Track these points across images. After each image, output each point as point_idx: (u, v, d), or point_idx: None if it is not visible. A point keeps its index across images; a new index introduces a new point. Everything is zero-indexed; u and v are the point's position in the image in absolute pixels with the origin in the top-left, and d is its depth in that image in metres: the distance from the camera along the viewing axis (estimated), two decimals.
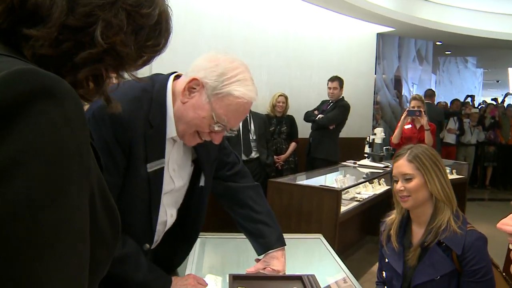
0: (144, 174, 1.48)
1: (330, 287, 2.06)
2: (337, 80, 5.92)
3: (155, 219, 1.56)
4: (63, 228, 0.57)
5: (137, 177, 1.47)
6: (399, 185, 2.04)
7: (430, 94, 8.28)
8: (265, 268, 1.83)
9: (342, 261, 2.27)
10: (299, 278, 1.84)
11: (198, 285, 1.66)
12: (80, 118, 0.63)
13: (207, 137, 1.53)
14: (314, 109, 6.11)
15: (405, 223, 2.12)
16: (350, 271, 2.12)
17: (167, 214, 1.64)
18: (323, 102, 6.12)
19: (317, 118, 5.87)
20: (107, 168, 1.37)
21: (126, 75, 0.83)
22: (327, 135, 5.89)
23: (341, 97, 5.94)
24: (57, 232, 0.56)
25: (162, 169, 1.52)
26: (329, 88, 5.94)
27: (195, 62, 1.51)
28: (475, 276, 1.88)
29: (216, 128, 1.48)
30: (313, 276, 1.84)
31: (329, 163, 5.77)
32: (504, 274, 2.01)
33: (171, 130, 1.51)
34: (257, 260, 1.88)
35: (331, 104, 5.96)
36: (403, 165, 2.04)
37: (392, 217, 2.17)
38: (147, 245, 1.59)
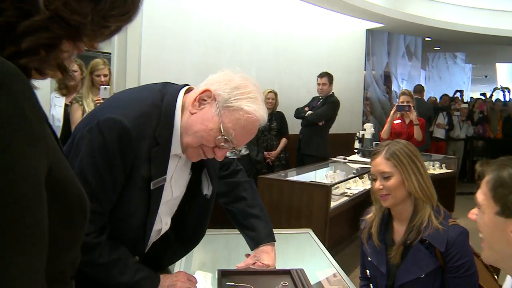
0: (146, 190, 1.46)
1: (321, 283, 2.07)
2: (326, 76, 5.90)
3: (149, 228, 1.54)
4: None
5: (136, 192, 1.45)
6: (377, 184, 2.00)
7: (419, 89, 8.33)
8: (255, 263, 1.83)
9: (332, 256, 2.27)
10: (288, 272, 1.84)
11: (188, 281, 1.62)
12: (29, 98, 0.62)
13: (210, 154, 1.50)
14: (305, 106, 6.10)
15: (386, 220, 2.10)
16: (340, 266, 2.13)
17: (162, 223, 1.63)
18: (314, 99, 6.11)
19: (306, 115, 5.87)
20: (103, 180, 1.37)
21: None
22: (316, 132, 5.89)
23: (331, 93, 5.93)
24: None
25: (163, 185, 1.51)
26: (319, 84, 5.93)
27: (209, 77, 1.50)
28: (459, 272, 1.89)
29: (222, 143, 1.45)
30: (302, 270, 1.84)
31: (319, 160, 5.77)
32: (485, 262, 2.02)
33: (176, 147, 1.49)
34: (247, 256, 1.88)
35: (321, 100, 5.95)
36: (380, 163, 2.01)
37: (372, 215, 2.14)
38: (137, 258, 1.57)
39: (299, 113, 6.04)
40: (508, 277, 1.38)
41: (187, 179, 1.68)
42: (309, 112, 5.88)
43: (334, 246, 4.48)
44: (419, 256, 1.94)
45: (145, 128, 1.40)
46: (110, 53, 5.38)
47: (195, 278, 1.68)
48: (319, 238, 2.45)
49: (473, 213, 1.31)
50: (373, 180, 2.05)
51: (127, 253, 1.50)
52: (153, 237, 1.63)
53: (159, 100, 1.46)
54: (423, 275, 1.93)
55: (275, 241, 1.89)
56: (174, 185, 1.59)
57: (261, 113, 1.46)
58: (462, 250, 1.89)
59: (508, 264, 1.24)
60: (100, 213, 1.40)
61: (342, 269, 2.09)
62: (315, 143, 5.86)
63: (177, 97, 1.49)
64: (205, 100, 1.45)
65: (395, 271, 2.00)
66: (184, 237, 1.76)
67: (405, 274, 1.96)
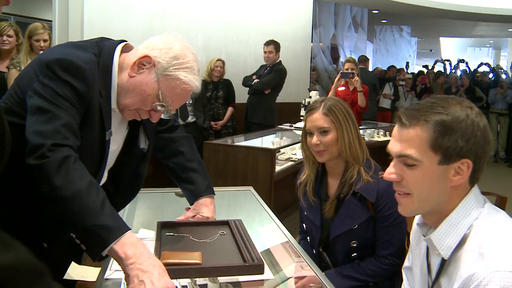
0: (100, 141, 1.49)
1: (258, 231, 2.11)
2: (272, 44, 5.88)
3: (98, 180, 1.55)
4: None
5: (91, 141, 1.46)
6: (315, 139, 2.00)
7: (363, 59, 8.54)
8: (194, 216, 1.85)
9: (272, 211, 2.31)
10: (226, 223, 1.87)
11: None
12: None
13: (145, 116, 1.55)
14: (253, 74, 6.09)
15: (321, 175, 2.13)
16: (281, 222, 2.17)
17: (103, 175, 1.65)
18: (262, 67, 6.09)
19: (253, 83, 5.87)
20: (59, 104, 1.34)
21: None
22: (263, 100, 5.89)
23: (277, 61, 5.92)
24: None
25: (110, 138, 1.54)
26: (265, 52, 5.91)
27: (149, 40, 1.54)
28: (389, 220, 1.97)
29: (159, 108, 1.51)
30: (240, 220, 1.87)
31: (266, 128, 5.79)
32: None
33: (113, 102, 1.52)
34: (188, 209, 1.90)
35: (268, 68, 5.95)
36: (318, 118, 2.00)
37: (305, 173, 2.15)
38: None
39: (246, 81, 6.02)
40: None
41: (124, 134, 1.70)
42: (256, 80, 5.88)
43: (281, 211, 4.56)
44: (352, 208, 2.00)
45: (94, 75, 1.43)
46: (51, 21, 5.21)
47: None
48: (265, 202, 2.47)
49: (392, 173, 1.24)
50: (309, 135, 2.05)
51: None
52: None
53: (97, 53, 1.49)
54: (356, 226, 1.99)
55: (214, 194, 1.91)
56: (112, 139, 1.60)
57: (196, 84, 1.53)
58: (391, 200, 1.94)
59: (432, 209, 1.24)
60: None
61: (284, 225, 2.12)
62: (261, 112, 5.87)
63: (114, 53, 1.52)
64: (145, 65, 1.49)
65: (329, 224, 2.05)
66: (121, 189, 1.76)
67: (338, 226, 2.02)
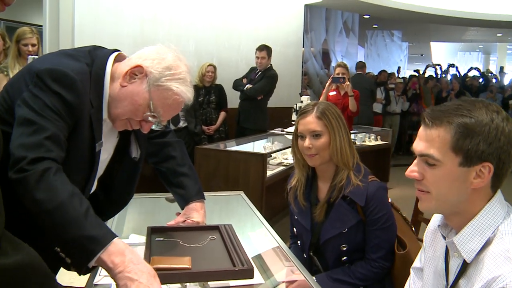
0: (89, 152, 1.49)
1: (248, 236, 2.11)
2: (265, 50, 5.91)
3: (88, 190, 1.57)
4: None
5: (81, 153, 1.46)
6: (307, 143, 2.00)
7: (361, 65, 8.64)
8: (185, 221, 1.85)
9: (263, 216, 2.31)
10: (216, 228, 1.87)
11: None
12: None
13: (136, 126, 1.55)
14: (243, 77, 6.12)
15: (311, 179, 2.13)
16: (272, 227, 2.17)
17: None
18: (252, 70, 6.11)
19: (245, 88, 5.88)
20: (49, 113, 1.33)
21: None
22: (255, 105, 5.92)
23: (269, 66, 5.95)
24: None
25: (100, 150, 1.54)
26: (257, 57, 5.93)
27: (142, 50, 1.55)
28: (378, 224, 1.98)
29: (150, 118, 1.51)
30: (230, 225, 1.88)
31: (259, 133, 5.81)
32: (404, 216, 2.13)
33: (104, 112, 1.52)
34: (178, 214, 1.90)
35: (259, 73, 5.97)
36: (311, 122, 2.00)
37: (296, 177, 2.15)
38: None
39: (237, 85, 6.04)
40: (436, 214, 1.42)
41: (115, 142, 1.70)
42: (248, 85, 5.89)
43: (273, 216, 4.56)
44: (342, 212, 2.01)
45: (86, 86, 1.42)
46: (41, 26, 5.19)
47: None
48: (255, 206, 2.45)
49: (414, 171, 1.26)
50: (300, 138, 2.05)
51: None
52: None
53: (90, 63, 1.48)
54: (346, 230, 2.00)
55: (204, 199, 1.91)
56: (103, 148, 1.60)
57: (188, 95, 1.53)
58: (380, 204, 1.98)
59: (452, 209, 1.25)
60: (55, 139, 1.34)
61: (277, 233, 2.11)
62: (254, 117, 5.90)
63: (106, 63, 1.51)
64: (136, 75, 1.49)
65: (319, 227, 2.06)
66: (112, 198, 1.77)
67: (328, 230, 2.03)
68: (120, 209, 1.85)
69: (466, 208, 1.22)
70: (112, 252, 1.19)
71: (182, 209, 1.89)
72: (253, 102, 5.91)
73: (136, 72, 1.48)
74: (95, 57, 1.50)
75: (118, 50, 1.59)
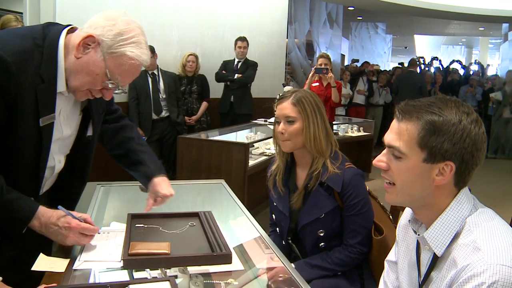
0: (36, 128, 1.48)
1: (229, 224, 2.12)
2: (246, 40, 6.19)
3: (42, 165, 1.57)
4: None
5: (25, 129, 1.46)
6: (281, 127, 2.04)
7: (413, 63, 9.24)
8: (156, 200, 1.85)
9: (245, 206, 2.32)
10: (196, 214, 1.89)
11: (81, 235, 1.54)
12: None
13: (97, 94, 1.56)
14: (222, 70, 6.24)
15: (290, 166, 2.16)
16: (251, 214, 2.18)
17: (55, 160, 1.66)
18: (228, 62, 6.29)
19: (236, 77, 6.07)
20: None
21: None
22: (246, 92, 6.25)
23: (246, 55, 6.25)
24: None
25: (53, 122, 1.54)
26: (239, 47, 6.14)
27: (92, 19, 1.53)
28: (355, 209, 2.01)
29: (110, 86, 1.52)
30: (210, 212, 1.90)
31: (252, 118, 6.13)
32: (382, 204, 2.16)
33: (61, 85, 1.52)
34: (141, 188, 1.93)
35: (239, 62, 6.20)
36: (286, 107, 2.04)
37: (276, 163, 2.18)
38: (32, 198, 1.58)
39: (223, 77, 6.17)
40: (407, 209, 1.45)
41: (78, 121, 1.72)
42: (238, 75, 6.09)
43: (254, 206, 4.58)
44: (319, 198, 2.04)
45: (26, 64, 1.42)
46: (21, 13, 5.11)
47: (91, 225, 1.58)
48: (237, 196, 2.46)
49: (381, 161, 1.29)
50: (277, 123, 2.08)
51: None
52: (47, 176, 1.65)
53: (41, 39, 1.48)
54: (323, 215, 2.03)
55: (166, 174, 1.93)
56: (64, 123, 1.62)
57: (144, 58, 1.53)
58: (357, 190, 2.01)
59: (418, 204, 1.28)
60: None
61: (256, 220, 2.12)
62: (248, 103, 6.22)
63: (59, 37, 1.51)
64: (89, 45, 1.48)
65: (297, 214, 2.08)
66: (76, 175, 1.82)
67: (306, 216, 2.05)
68: (79, 194, 1.87)
69: (431, 203, 1.25)
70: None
71: (145, 186, 1.90)
72: (245, 89, 6.20)
73: (89, 42, 1.48)
74: (48, 32, 1.50)
75: (71, 25, 1.57)
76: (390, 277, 1.56)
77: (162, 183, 1.86)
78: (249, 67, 6.19)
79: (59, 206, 1.56)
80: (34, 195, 1.61)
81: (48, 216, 1.50)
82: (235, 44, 6.19)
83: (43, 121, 1.49)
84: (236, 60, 6.22)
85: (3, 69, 1.36)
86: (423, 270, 1.32)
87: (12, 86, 1.38)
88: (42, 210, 1.51)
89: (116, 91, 1.58)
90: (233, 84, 6.12)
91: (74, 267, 1.51)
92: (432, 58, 16.67)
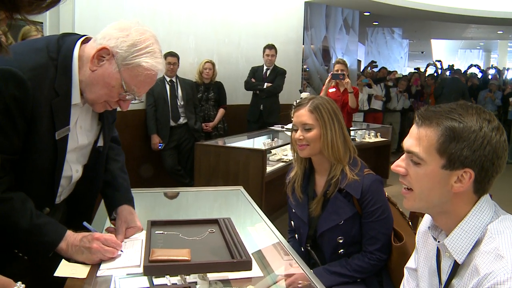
0: (51, 140, 1.50)
1: (248, 231, 2.12)
2: (274, 48, 6.26)
3: (57, 176, 1.58)
4: None
5: (42, 143, 1.48)
6: (298, 134, 2.05)
7: (457, 70, 9.28)
8: (128, 228, 1.77)
9: (263, 211, 2.32)
10: (215, 221, 1.89)
11: (105, 249, 1.57)
12: None
13: (115, 105, 1.58)
14: (251, 78, 6.29)
15: (308, 173, 2.16)
16: (270, 221, 2.18)
17: (72, 170, 1.67)
18: (256, 69, 6.30)
19: (265, 87, 6.14)
20: (1, 126, 1.37)
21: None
22: (276, 101, 6.33)
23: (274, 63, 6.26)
24: None
25: (67, 134, 1.55)
26: (267, 55, 6.22)
27: (106, 29, 1.52)
28: (374, 216, 2.00)
29: (127, 97, 1.53)
30: (229, 219, 1.90)
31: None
32: (401, 211, 2.14)
33: (75, 97, 1.52)
34: (113, 223, 1.84)
35: (268, 70, 6.26)
36: (303, 114, 2.05)
37: (295, 170, 2.19)
38: (47, 209, 1.61)
39: (253, 86, 6.25)
40: (427, 215, 1.44)
41: (97, 132, 1.73)
42: (267, 84, 6.16)
43: (272, 212, 4.57)
44: (338, 205, 2.04)
45: (41, 80, 1.42)
46: (42, 23, 5.20)
47: (115, 240, 1.62)
48: (255, 202, 2.46)
49: (399, 166, 1.28)
50: (294, 130, 2.09)
51: (25, 195, 1.49)
52: (64, 185, 1.67)
53: (56, 52, 1.48)
54: (342, 222, 2.03)
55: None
56: (81, 133, 1.63)
57: (159, 68, 1.53)
58: (376, 196, 2.00)
59: (436, 210, 1.27)
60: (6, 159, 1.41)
61: (277, 229, 2.12)
62: (276, 111, 6.28)
63: (73, 49, 1.50)
64: (104, 57, 1.48)
65: (316, 220, 2.08)
66: (91, 184, 1.82)
67: (325, 222, 2.05)
68: (93, 198, 1.88)
69: (450, 209, 1.24)
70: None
71: (111, 209, 1.86)
72: (274, 98, 6.31)
73: (103, 54, 1.48)
74: (62, 44, 1.50)
75: (86, 35, 1.57)
76: (410, 284, 1.54)
77: (133, 214, 1.83)
78: (278, 75, 6.27)
79: (84, 223, 1.60)
80: (50, 204, 1.63)
81: (74, 237, 1.54)
82: (263, 52, 6.28)
83: (58, 134, 1.50)
84: (265, 67, 6.29)
85: (21, 87, 1.36)
86: (444, 277, 1.30)
87: (29, 102, 1.39)
88: (70, 233, 1.55)
89: (133, 101, 1.59)
90: (262, 93, 6.21)
91: (98, 274, 1.52)
92: (448, 66, 16.49)
